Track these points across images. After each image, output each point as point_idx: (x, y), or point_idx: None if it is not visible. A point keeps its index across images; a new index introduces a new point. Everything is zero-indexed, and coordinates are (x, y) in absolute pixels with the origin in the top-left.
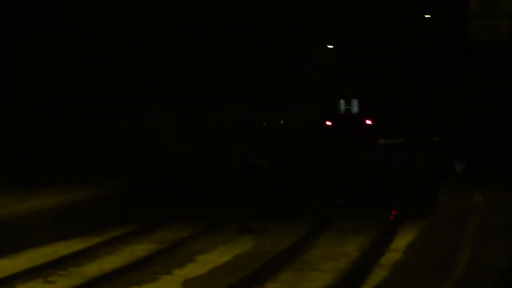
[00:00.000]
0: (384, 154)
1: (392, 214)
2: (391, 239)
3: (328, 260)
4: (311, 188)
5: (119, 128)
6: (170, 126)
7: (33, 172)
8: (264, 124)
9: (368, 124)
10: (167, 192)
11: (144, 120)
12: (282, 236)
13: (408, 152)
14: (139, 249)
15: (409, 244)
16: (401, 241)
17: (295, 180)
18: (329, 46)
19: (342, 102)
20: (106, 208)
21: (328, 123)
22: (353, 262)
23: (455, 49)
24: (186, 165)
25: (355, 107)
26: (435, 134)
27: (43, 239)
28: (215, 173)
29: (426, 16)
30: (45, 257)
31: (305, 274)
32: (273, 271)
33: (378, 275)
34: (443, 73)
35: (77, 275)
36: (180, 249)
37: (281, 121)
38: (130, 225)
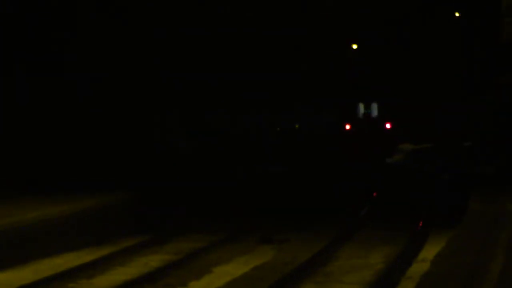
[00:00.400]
0: (412, 160)
1: (419, 223)
2: (419, 249)
3: (352, 272)
4: (333, 195)
5: (128, 131)
6: (181, 130)
7: (40, 179)
8: (278, 128)
9: (388, 128)
10: (181, 199)
11: (155, 124)
12: (304, 246)
13: (437, 158)
14: (153, 260)
15: (438, 255)
16: (430, 251)
17: (316, 187)
18: (354, 46)
19: (361, 106)
20: (118, 217)
21: (347, 127)
22: (379, 274)
23: (486, 50)
24: (200, 171)
25: (374, 111)
26: (466, 139)
27: (52, 250)
28: (232, 180)
29: (456, 14)
30: (54, 269)
31: (327, 286)
32: (294, 284)
33: (405, 287)
34: (474, 75)
35: (87, 287)
36: (196, 260)
37: (296, 125)
38: (143, 234)
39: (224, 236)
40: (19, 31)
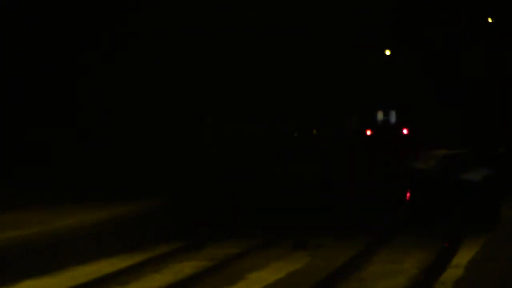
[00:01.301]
0: (444, 165)
1: (453, 229)
2: (453, 254)
3: (386, 278)
4: (364, 200)
5: (159, 137)
6: (210, 136)
7: (78, 185)
8: (295, 134)
9: (405, 133)
10: (215, 205)
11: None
12: (338, 252)
13: (471, 164)
14: (187, 267)
15: (471, 260)
16: (463, 257)
17: (345, 190)
18: (387, 53)
19: (380, 113)
20: (152, 223)
21: (368, 132)
22: (412, 279)
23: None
24: (232, 177)
25: (393, 117)
26: (501, 143)
27: (87, 256)
28: (263, 184)
29: (490, 20)
30: (89, 275)
31: None
32: None
33: None
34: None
35: None
36: (231, 267)
37: (314, 131)
38: (178, 241)
39: (258, 242)
40: (21, 31)
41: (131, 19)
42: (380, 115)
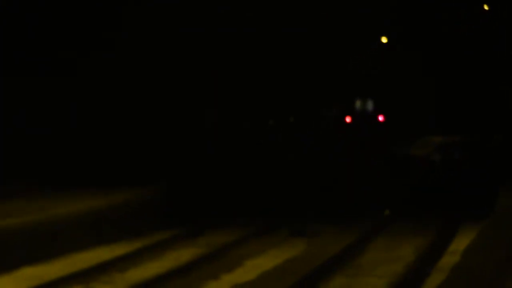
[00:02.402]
0: (440, 152)
1: (450, 215)
2: (450, 241)
3: (383, 265)
4: (360, 187)
5: (158, 125)
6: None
7: (72, 173)
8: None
9: (380, 120)
10: (212, 193)
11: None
12: (335, 239)
13: (467, 150)
14: (184, 254)
15: (468, 247)
16: (460, 243)
17: (338, 178)
18: (384, 41)
19: (358, 101)
20: (149, 211)
21: (348, 120)
22: (409, 266)
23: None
24: (226, 164)
25: (370, 105)
26: (495, 130)
27: (84, 244)
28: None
29: (485, 7)
30: (86, 262)
31: (358, 279)
32: (325, 277)
33: (435, 279)
34: (502, 66)
35: (120, 280)
36: (228, 253)
37: (291, 119)
38: (176, 228)
39: (256, 229)
40: (19, 31)
41: (131, 19)
42: (358, 103)
